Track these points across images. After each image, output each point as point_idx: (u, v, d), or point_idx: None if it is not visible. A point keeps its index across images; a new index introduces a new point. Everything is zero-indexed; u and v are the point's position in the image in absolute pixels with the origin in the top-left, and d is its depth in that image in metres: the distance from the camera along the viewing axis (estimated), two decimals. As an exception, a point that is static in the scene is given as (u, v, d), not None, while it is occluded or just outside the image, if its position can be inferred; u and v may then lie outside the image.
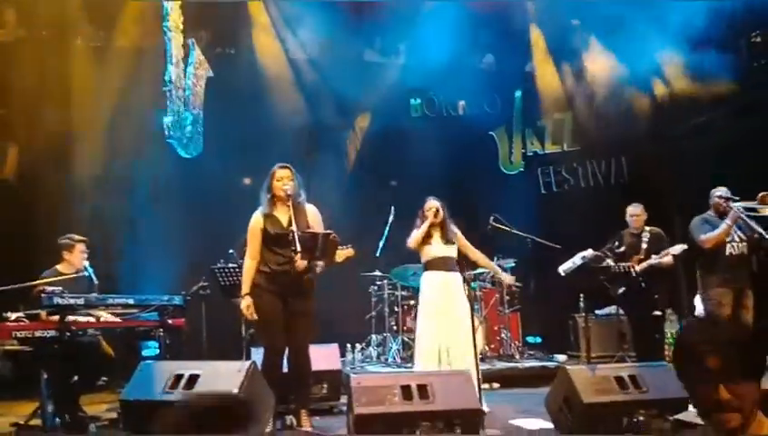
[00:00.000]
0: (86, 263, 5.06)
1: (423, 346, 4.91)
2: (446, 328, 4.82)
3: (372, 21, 8.05)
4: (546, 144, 9.09)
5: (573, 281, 5.90)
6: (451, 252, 5.07)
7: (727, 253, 5.35)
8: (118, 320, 4.78)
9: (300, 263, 4.15)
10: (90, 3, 7.40)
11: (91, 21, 7.53)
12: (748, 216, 5.14)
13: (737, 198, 5.31)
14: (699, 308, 6.18)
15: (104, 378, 5.31)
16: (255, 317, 4.23)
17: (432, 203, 5.11)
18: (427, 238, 5.04)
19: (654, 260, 5.95)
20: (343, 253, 5.29)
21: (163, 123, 7.64)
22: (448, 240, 5.06)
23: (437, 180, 7.87)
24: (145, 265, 6.83)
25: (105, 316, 4.75)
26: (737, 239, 5.37)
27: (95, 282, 5.05)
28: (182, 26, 7.70)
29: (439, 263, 5.03)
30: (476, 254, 5.23)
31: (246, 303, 4.23)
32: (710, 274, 5.42)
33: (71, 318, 4.55)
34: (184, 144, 7.74)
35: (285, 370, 4.27)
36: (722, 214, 5.38)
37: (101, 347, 4.85)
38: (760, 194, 5.13)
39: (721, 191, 5.45)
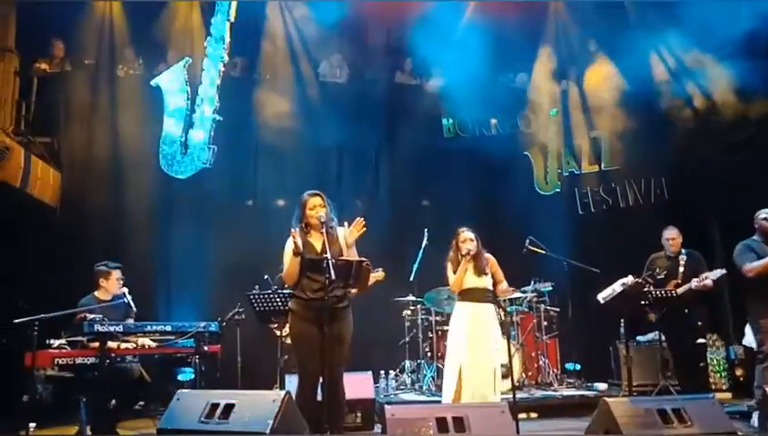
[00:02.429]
0: (125, 290, 5.16)
1: (447, 376, 4.95)
2: (466, 358, 4.82)
3: (403, 43, 8.09)
4: (583, 164, 8.93)
5: (613, 306, 5.74)
6: (484, 282, 5.06)
7: None
8: (155, 346, 4.86)
9: (337, 289, 4.13)
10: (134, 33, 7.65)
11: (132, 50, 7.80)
12: None
13: None
14: (749, 337, 5.95)
15: (141, 403, 5.38)
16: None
17: (467, 236, 5.09)
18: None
19: (693, 285, 5.76)
20: (373, 276, 5.30)
21: (188, 143, 7.77)
22: (481, 271, 5.04)
23: (470, 201, 7.85)
24: (182, 291, 6.95)
25: (143, 342, 4.84)
26: None
27: (133, 308, 5.15)
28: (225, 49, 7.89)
29: (471, 294, 5.04)
30: (499, 285, 5.21)
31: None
32: (760, 301, 5.17)
33: (111, 344, 4.65)
34: (203, 158, 7.80)
35: (319, 398, 4.24)
36: None
37: (138, 373, 4.93)
38: None
39: (767, 213, 5.22)
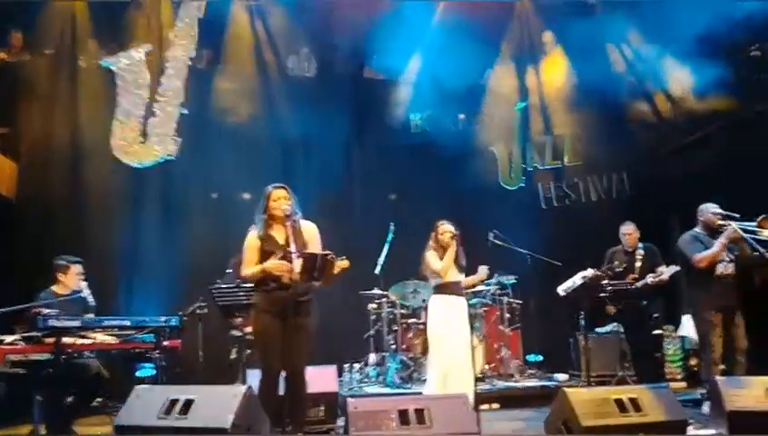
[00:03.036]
0: (83, 285, 5.05)
1: (433, 371, 4.98)
2: (450, 353, 4.87)
3: (372, 38, 8.08)
4: (547, 159, 9.07)
5: (573, 298, 5.85)
6: (460, 276, 5.14)
7: (718, 273, 5.20)
8: (114, 341, 4.77)
9: (299, 284, 4.10)
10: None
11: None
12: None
13: (737, 215, 5.21)
14: (687, 328, 6.14)
15: (99, 399, 5.28)
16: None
17: (448, 228, 5.12)
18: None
19: (650, 280, 5.94)
20: (339, 265, 5.28)
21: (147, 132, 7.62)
22: (460, 266, 5.10)
23: (437, 196, 7.90)
24: (142, 286, 6.82)
25: (101, 338, 4.74)
26: (727, 259, 5.23)
27: (91, 303, 5.04)
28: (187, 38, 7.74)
29: (450, 288, 5.08)
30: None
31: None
32: (701, 294, 5.25)
33: (66, 340, 4.54)
34: (166, 150, 7.64)
35: (281, 392, 4.22)
36: (713, 232, 5.24)
37: (96, 369, 4.83)
38: (759, 218, 5.04)
39: (715, 207, 5.31)
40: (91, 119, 7.38)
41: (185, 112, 7.71)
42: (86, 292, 5.06)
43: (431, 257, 5.12)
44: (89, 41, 7.62)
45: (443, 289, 5.10)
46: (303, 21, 8.15)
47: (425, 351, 6.04)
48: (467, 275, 5.29)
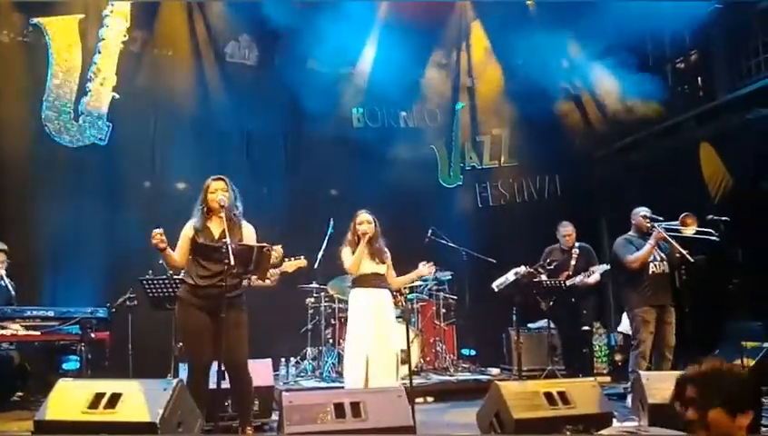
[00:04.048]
0: (2, 273, 4.78)
1: (350, 364, 4.89)
2: (372, 345, 4.81)
3: (317, 29, 8.00)
4: (484, 159, 9.28)
5: (506, 294, 6.02)
6: (381, 269, 5.00)
7: (650, 272, 5.52)
8: (36, 333, 4.54)
9: (232, 277, 4.03)
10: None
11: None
12: (670, 236, 5.36)
13: (661, 218, 5.52)
14: (625, 324, 6.45)
15: (20, 393, 5.00)
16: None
17: (364, 217, 5.00)
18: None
19: (579, 279, 6.21)
20: (295, 263, 5.24)
21: (80, 110, 7.28)
22: (378, 257, 4.97)
23: (377, 191, 7.89)
24: (69, 276, 6.50)
25: (22, 329, 4.50)
26: (658, 258, 5.56)
27: (13, 293, 4.77)
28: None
29: (368, 280, 4.96)
30: (393, 280, 5.15)
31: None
32: (634, 292, 5.56)
33: (-17, 331, 4.29)
34: (96, 133, 7.33)
35: (213, 386, 4.13)
36: (644, 234, 5.56)
37: (17, 361, 4.58)
38: (681, 216, 5.37)
39: (644, 211, 5.61)
40: (13, 96, 6.94)
41: (116, 96, 7.38)
42: (5, 281, 4.79)
43: (344, 254, 5.03)
44: (13, 14, 7.18)
45: (360, 282, 4.99)
46: (244, 7, 7.96)
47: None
48: (406, 272, 5.21)
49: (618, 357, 7.40)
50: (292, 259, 5.33)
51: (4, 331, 4.41)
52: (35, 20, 7.12)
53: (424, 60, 8.97)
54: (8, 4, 7.12)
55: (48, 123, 7.11)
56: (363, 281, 4.98)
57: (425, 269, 5.05)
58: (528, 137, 8.93)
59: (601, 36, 7.78)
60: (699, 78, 7.95)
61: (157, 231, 3.85)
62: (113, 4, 7.44)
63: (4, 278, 4.78)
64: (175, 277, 4.97)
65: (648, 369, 5.22)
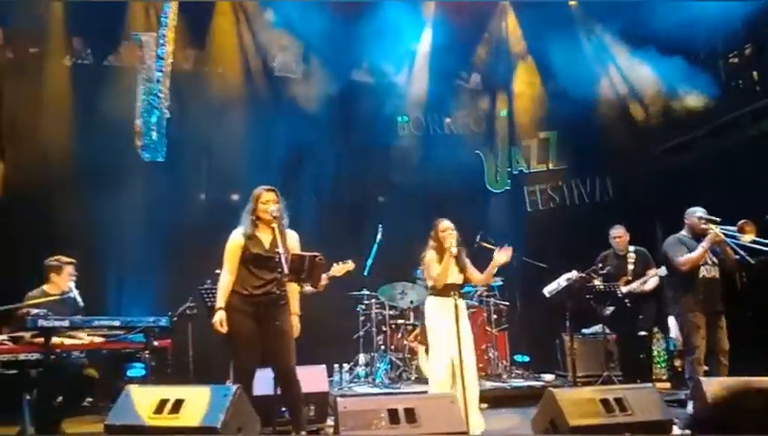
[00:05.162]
0: (72, 285, 5.03)
1: (435, 370, 4.86)
2: (455, 350, 4.74)
3: (360, 41, 8.13)
4: (532, 163, 9.19)
5: (559, 300, 5.93)
6: (460, 279, 4.99)
7: (701, 276, 5.25)
8: (103, 341, 4.76)
9: (287, 284, 4.14)
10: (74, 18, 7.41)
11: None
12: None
13: (718, 220, 5.27)
14: (674, 330, 6.23)
15: (89, 400, 5.25)
16: (225, 331, 4.13)
17: (448, 225, 4.95)
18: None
19: (635, 285, 6.04)
20: (343, 267, 5.33)
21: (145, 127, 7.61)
22: (461, 267, 4.95)
23: (424, 198, 7.96)
24: (132, 287, 6.79)
25: (90, 338, 4.73)
26: (710, 262, 5.29)
27: (81, 304, 5.02)
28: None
29: (448, 290, 4.91)
30: (477, 278, 5.08)
31: (219, 318, 4.12)
32: (684, 296, 5.30)
33: (55, 340, 4.52)
34: (152, 149, 7.64)
35: (269, 392, 4.24)
36: (697, 235, 5.29)
37: (85, 369, 4.81)
38: (740, 223, 5.12)
39: (700, 211, 5.36)
40: (78, 116, 7.31)
41: (167, 114, 7.69)
42: (74, 293, 5.04)
43: (431, 262, 4.97)
44: (74, 39, 7.59)
45: (445, 290, 4.93)
46: (290, 22, 8.16)
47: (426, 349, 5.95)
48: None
49: (678, 362, 7.15)
50: (340, 263, 5.42)
51: (74, 341, 4.64)
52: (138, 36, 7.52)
53: (467, 65, 8.99)
54: (70, 29, 7.50)
55: (145, 147, 7.49)
56: (443, 290, 4.93)
57: (501, 255, 4.86)
58: (577, 139, 8.79)
59: (648, 33, 7.63)
60: (754, 72, 7.65)
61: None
62: (164, 25, 7.74)
63: (74, 290, 5.02)
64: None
65: (705, 374, 5.04)
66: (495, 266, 4.92)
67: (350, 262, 5.36)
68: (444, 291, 4.92)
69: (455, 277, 4.95)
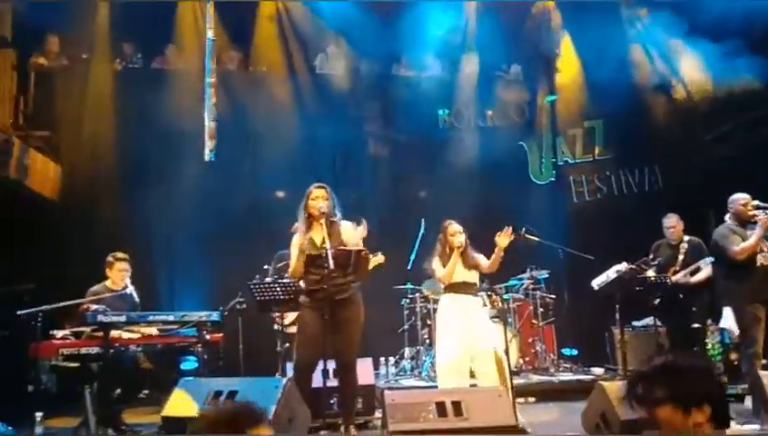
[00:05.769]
0: (128, 281, 5.22)
1: (444, 362, 4.90)
2: (465, 344, 4.82)
3: (400, 35, 8.14)
4: (577, 153, 9.02)
5: (608, 292, 5.81)
6: (472, 277, 5.03)
7: (758, 264, 5.04)
8: (158, 336, 4.93)
9: (336, 279, 4.21)
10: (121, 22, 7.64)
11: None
12: None
13: (766, 205, 5.05)
14: (728, 321, 6.02)
15: (146, 391, 5.46)
16: None
17: (456, 228, 5.05)
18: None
19: (680, 275, 5.86)
20: (373, 260, 5.36)
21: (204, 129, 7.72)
22: (469, 266, 5.00)
23: (467, 191, 7.91)
24: (184, 283, 7.00)
25: (146, 332, 4.91)
26: (765, 249, 5.08)
27: (137, 300, 5.21)
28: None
29: (459, 288, 5.01)
30: (487, 265, 5.03)
31: None
32: (741, 286, 5.09)
33: (114, 334, 4.72)
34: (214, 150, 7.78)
35: (319, 384, 4.32)
36: (745, 222, 5.10)
37: (141, 363, 5.00)
38: None
39: (747, 198, 5.16)
40: (127, 119, 7.55)
41: (214, 118, 7.84)
42: (130, 289, 5.23)
43: (436, 264, 5.09)
44: (124, 44, 7.84)
45: (450, 289, 5.05)
46: (329, 19, 8.23)
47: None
48: (500, 271, 5.17)
49: (734, 356, 6.90)
50: (371, 256, 5.45)
51: (132, 335, 4.83)
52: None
53: (508, 56, 8.88)
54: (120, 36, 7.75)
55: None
56: (454, 288, 5.03)
57: (503, 239, 4.85)
58: (623, 128, 8.58)
59: (695, 18, 7.40)
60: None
61: None
62: (209, 26, 7.88)
63: (129, 285, 5.21)
64: (280, 281, 5.23)
65: (765, 368, 4.86)
66: (500, 251, 4.91)
67: (380, 254, 5.40)
68: (454, 289, 5.00)
69: (462, 275, 5.00)
